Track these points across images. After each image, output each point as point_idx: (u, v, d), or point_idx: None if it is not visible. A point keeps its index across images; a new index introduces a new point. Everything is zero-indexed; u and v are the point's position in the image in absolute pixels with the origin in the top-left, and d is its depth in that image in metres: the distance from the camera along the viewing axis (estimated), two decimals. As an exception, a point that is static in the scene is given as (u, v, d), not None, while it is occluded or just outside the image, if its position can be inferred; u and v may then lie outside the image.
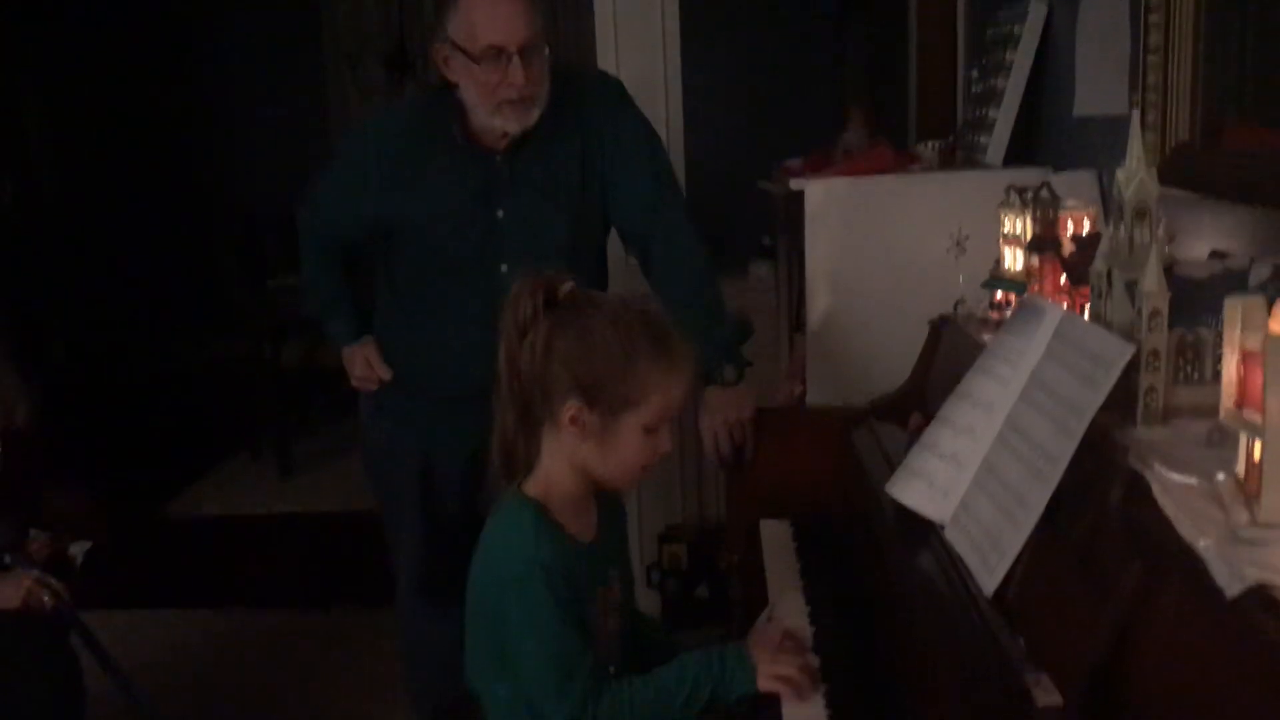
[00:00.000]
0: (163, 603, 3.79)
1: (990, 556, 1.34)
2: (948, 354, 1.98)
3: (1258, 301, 1.06)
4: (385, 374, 2.38)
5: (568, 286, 1.45)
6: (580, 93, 2.26)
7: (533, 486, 1.50)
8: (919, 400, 2.00)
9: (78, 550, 3.29)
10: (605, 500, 1.58)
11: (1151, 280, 1.25)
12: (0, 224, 4.80)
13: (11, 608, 2.17)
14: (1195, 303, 1.28)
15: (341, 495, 4.73)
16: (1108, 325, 1.34)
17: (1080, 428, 1.25)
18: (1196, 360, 1.28)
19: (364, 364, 2.40)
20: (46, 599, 2.20)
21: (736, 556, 2.18)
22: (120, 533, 4.03)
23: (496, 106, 2.11)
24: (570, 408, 1.43)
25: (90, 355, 5.19)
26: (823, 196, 2.32)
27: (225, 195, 5.67)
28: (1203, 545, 0.98)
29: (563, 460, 1.49)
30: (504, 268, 2.19)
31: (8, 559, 2.28)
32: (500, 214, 2.22)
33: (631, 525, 3.49)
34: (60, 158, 5.21)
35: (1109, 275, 1.35)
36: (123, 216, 5.51)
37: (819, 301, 2.38)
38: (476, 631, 1.52)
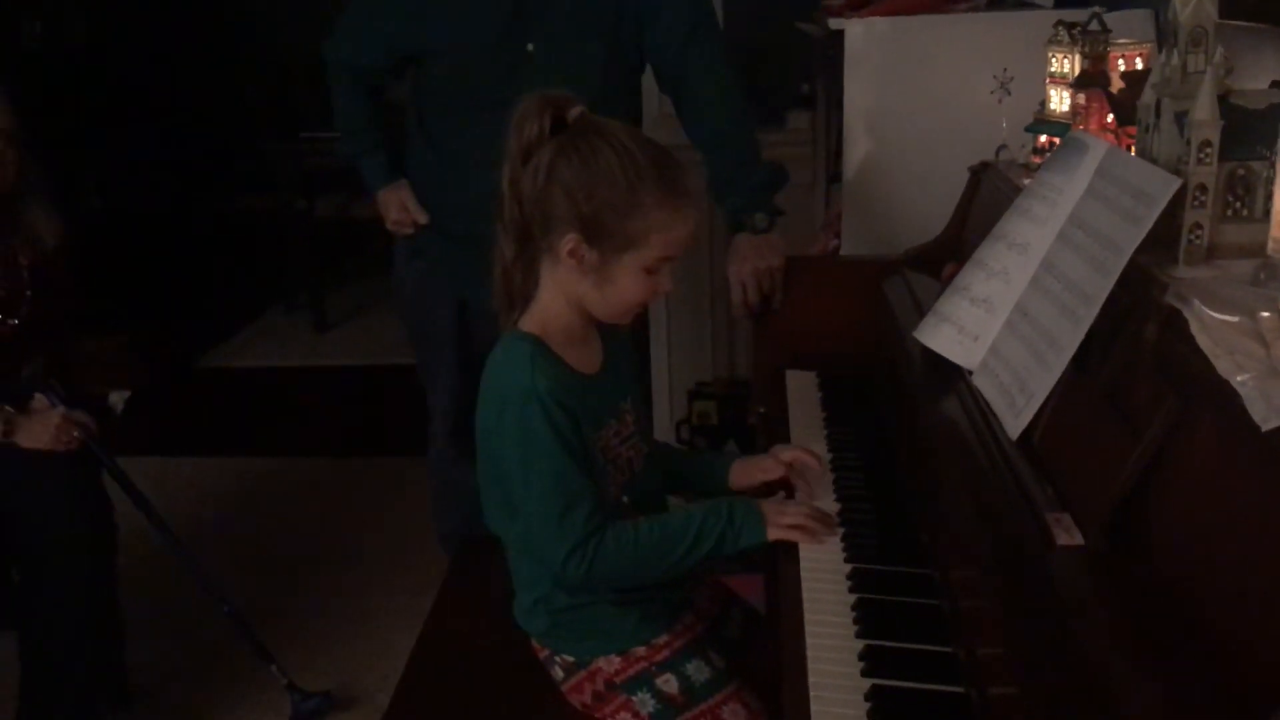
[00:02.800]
0: (195, 451, 3.85)
1: (1018, 399, 1.30)
2: (987, 202, 1.91)
3: (1319, 123, 0.99)
4: (421, 217, 2.35)
5: (577, 110, 1.38)
6: None
7: (529, 322, 1.45)
8: (955, 250, 1.93)
9: (118, 398, 3.31)
10: (610, 332, 1.53)
11: (1203, 109, 1.18)
12: (30, 66, 4.73)
13: (42, 445, 2.19)
14: (1250, 135, 1.20)
15: (376, 349, 4.75)
16: (1154, 161, 1.27)
17: (1118, 266, 1.19)
18: (1247, 195, 1.21)
19: (399, 207, 2.36)
20: (76, 435, 2.22)
21: (763, 409, 2.15)
22: (154, 382, 4.08)
23: None
24: (569, 240, 1.37)
25: (123, 210, 5.17)
26: (863, 37, 2.22)
27: (256, 43, 5.56)
28: (1239, 380, 0.94)
29: (559, 294, 1.44)
30: None
31: (37, 398, 2.28)
32: (530, 47, 2.14)
33: (661, 382, 3.49)
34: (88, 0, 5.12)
35: (1158, 106, 1.28)
36: (152, 64, 5.43)
37: (856, 149, 2.30)
38: (487, 475, 1.50)
